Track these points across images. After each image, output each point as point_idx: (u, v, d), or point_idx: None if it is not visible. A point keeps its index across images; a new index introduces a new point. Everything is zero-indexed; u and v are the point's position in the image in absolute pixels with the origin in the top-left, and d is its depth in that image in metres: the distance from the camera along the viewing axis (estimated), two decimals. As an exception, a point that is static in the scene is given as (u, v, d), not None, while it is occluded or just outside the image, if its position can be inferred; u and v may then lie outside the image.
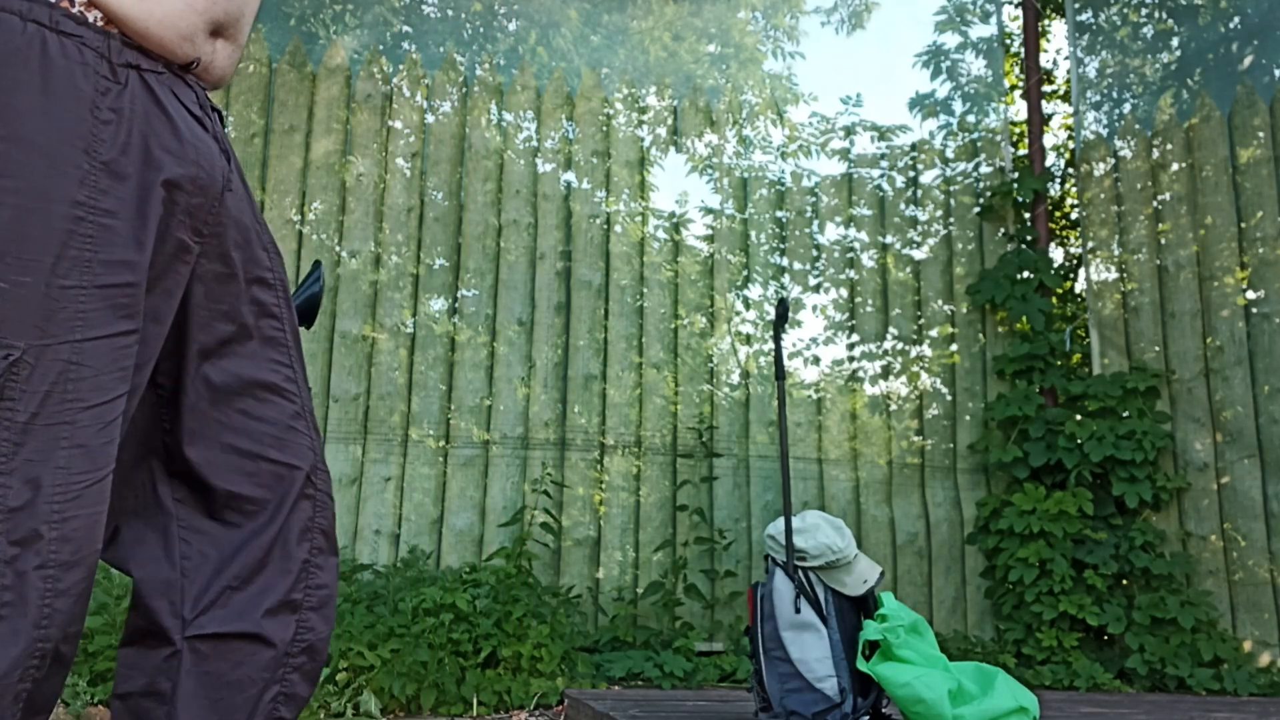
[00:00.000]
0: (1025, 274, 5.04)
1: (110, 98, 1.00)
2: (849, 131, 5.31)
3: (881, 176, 5.29)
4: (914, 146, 5.35)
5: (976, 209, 5.30)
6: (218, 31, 1.18)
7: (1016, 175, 5.23)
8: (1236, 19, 5.39)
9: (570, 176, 4.99)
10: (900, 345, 5.10)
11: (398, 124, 4.89)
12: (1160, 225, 5.18)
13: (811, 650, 2.45)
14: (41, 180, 0.93)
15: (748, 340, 5.01)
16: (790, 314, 4.71)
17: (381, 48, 5.01)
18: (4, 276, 0.90)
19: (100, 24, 1.02)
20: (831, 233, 5.18)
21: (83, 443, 0.94)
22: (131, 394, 1.01)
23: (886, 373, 5.08)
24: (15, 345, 0.89)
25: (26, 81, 0.94)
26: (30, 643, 0.90)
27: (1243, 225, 5.01)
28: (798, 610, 2.48)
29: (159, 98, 1.07)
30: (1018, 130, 5.84)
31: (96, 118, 0.98)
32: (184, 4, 1.10)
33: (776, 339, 2.90)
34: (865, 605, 2.54)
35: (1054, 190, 5.95)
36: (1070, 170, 5.90)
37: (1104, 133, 5.45)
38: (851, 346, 5.08)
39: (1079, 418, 4.80)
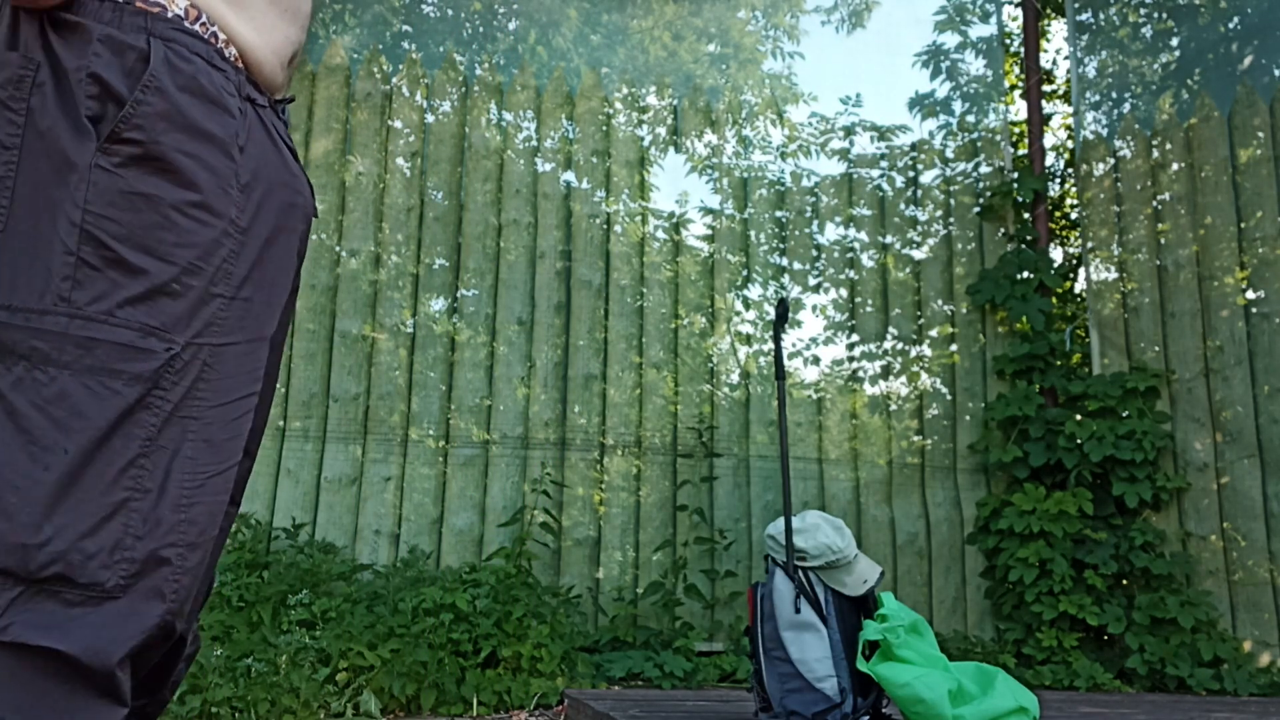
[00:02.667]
0: (1025, 274, 5.04)
1: (244, 130, 1.10)
2: (849, 131, 5.31)
3: (881, 176, 5.29)
4: (914, 146, 5.35)
5: (976, 209, 5.30)
6: (290, 60, 1.24)
7: (1016, 175, 5.23)
8: (1236, 19, 5.39)
9: (570, 176, 4.98)
10: (900, 345, 5.10)
11: (397, 123, 4.89)
12: (1160, 225, 5.17)
13: (811, 650, 2.45)
14: (211, 195, 1.03)
15: (748, 340, 5.01)
16: (790, 314, 4.71)
17: (381, 47, 5.00)
18: (178, 278, 0.99)
19: (234, 59, 1.11)
20: (831, 233, 5.18)
21: (208, 438, 1.02)
22: (260, 399, 1.14)
23: (886, 373, 5.08)
24: (176, 341, 0.99)
25: (199, 107, 1.03)
26: (159, 616, 0.96)
27: (1242, 225, 5.01)
28: (798, 610, 2.48)
29: (269, 129, 1.15)
30: (1018, 130, 5.84)
31: (239, 146, 1.08)
32: (283, 36, 1.18)
33: (776, 339, 2.90)
34: (865, 605, 2.53)
35: (1054, 190, 5.95)
36: (1070, 170, 5.90)
37: (1104, 133, 5.45)
38: (851, 346, 5.07)
39: (1079, 418, 4.80)
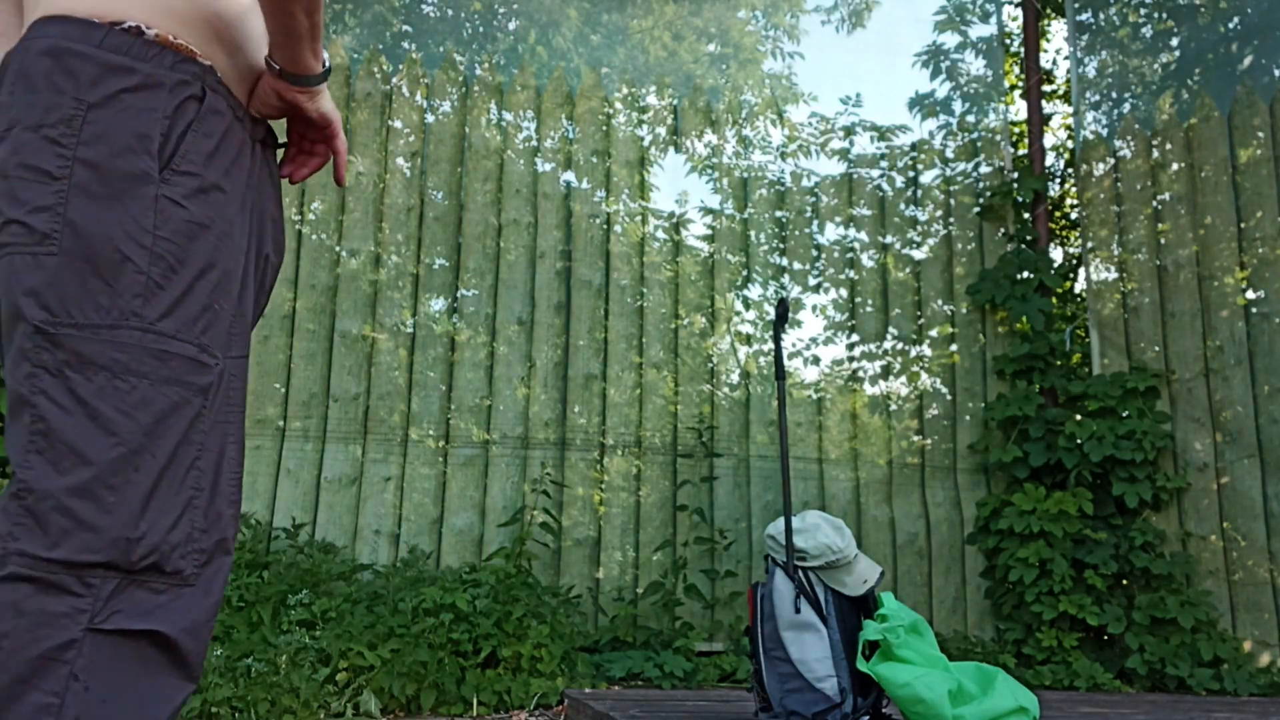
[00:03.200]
0: (1025, 274, 5.04)
1: (254, 169, 1.23)
2: (849, 131, 5.31)
3: (881, 176, 5.29)
4: (914, 146, 5.35)
5: (976, 209, 5.30)
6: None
7: (1016, 175, 5.23)
8: (1236, 19, 5.39)
9: (570, 176, 4.98)
10: (900, 345, 5.10)
11: (397, 123, 4.89)
12: (1160, 225, 5.17)
13: (811, 650, 2.45)
14: (233, 225, 1.15)
15: (748, 340, 5.01)
16: (790, 314, 4.70)
17: (381, 47, 5.00)
18: (217, 299, 1.11)
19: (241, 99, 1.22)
20: (831, 233, 5.18)
21: (237, 439, 1.16)
22: None
23: (886, 373, 5.08)
24: (217, 358, 1.11)
25: (233, 149, 1.16)
26: (219, 598, 1.09)
27: (1242, 225, 5.01)
28: (798, 610, 2.48)
29: (270, 169, 1.27)
30: (1017, 130, 5.84)
31: (251, 184, 1.21)
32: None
33: (776, 339, 2.90)
34: (865, 605, 2.53)
35: (1054, 190, 5.95)
36: (1070, 170, 5.90)
37: (1104, 133, 5.45)
38: (851, 346, 5.07)
39: (1079, 418, 4.80)
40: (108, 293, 1.04)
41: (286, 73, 1.20)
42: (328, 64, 1.24)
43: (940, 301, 5.18)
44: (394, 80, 4.92)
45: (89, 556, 0.97)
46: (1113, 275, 5.21)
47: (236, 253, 1.15)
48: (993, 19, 5.65)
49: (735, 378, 4.98)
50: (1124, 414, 4.81)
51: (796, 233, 5.14)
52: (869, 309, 5.11)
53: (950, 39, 5.62)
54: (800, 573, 2.50)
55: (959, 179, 5.33)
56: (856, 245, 5.18)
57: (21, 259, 1.04)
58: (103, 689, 0.94)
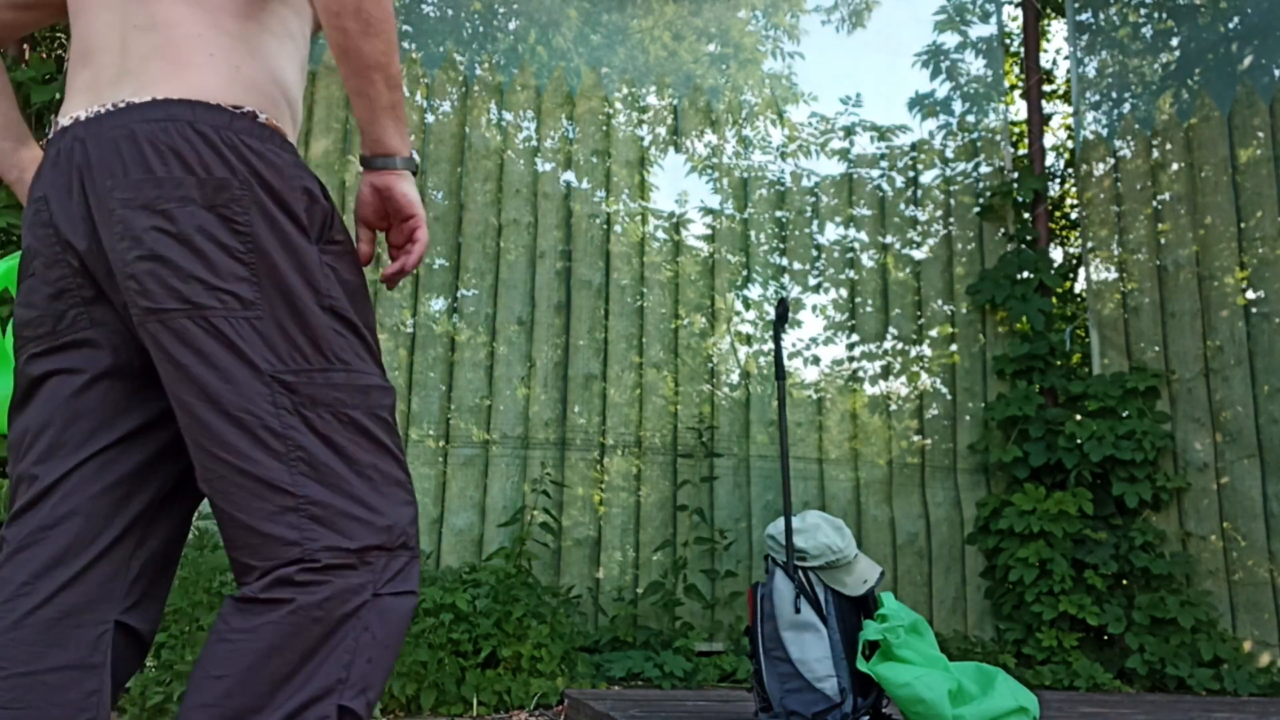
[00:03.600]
0: (1025, 274, 5.03)
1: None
2: (849, 131, 5.31)
3: (881, 176, 5.29)
4: (914, 146, 5.35)
5: (976, 209, 5.30)
6: None
7: (1016, 175, 5.23)
8: (1236, 19, 5.39)
9: (570, 176, 4.98)
10: (900, 345, 5.10)
11: (397, 124, 4.89)
12: (1160, 225, 5.17)
13: (811, 650, 2.45)
14: (364, 276, 1.45)
15: (748, 340, 5.01)
16: (790, 314, 4.70)
17: (381, 47, 5.00)
18: (374, 338, 1.36)
19: None
20: (831, 233, 5.18)
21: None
22: None
23: (886, 373, 5.08)
24: (389, 381, 1.37)
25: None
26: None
27: (1242, 225, 5.01)
28: (798, 610, 2.48)
29: None
30: (1017, 130, 5.84)
31: None
32: None
33: (776, 339, 2.90)
34: (865, 605, 2.53)
35: (1054, 190, 5.95)
36: (1070, 170, 5.90)
37: (1104, 133, 5.45)
38: (851, 346, 5.07)
39: (1079, 418, 4.80)
40: (312, 342, 1.27)
41: (376, 156, 1.33)
42: (416, 158, 1.38)
43: (940, 301, 5.18)
44: (394, 80, 4.92)
45: (371, 541, 1.26)
46: (1113, 275, 5.21)
47: (369, 310, 1.38)
48: (993, 19, 5.64)
49: (735, 378, 4.99)
50: (1124, 414, 4.81)
51: (796, 233, 5.14)
52: (869, 309, 5.11)
53: (950, 39, 5.62)
54: (800, 573, 2.50)
55: (959, 179, 5.33)
56: (856, 245, 5.18)
57: (235, 322, 1.23)
58: (379, 634, 1.26)
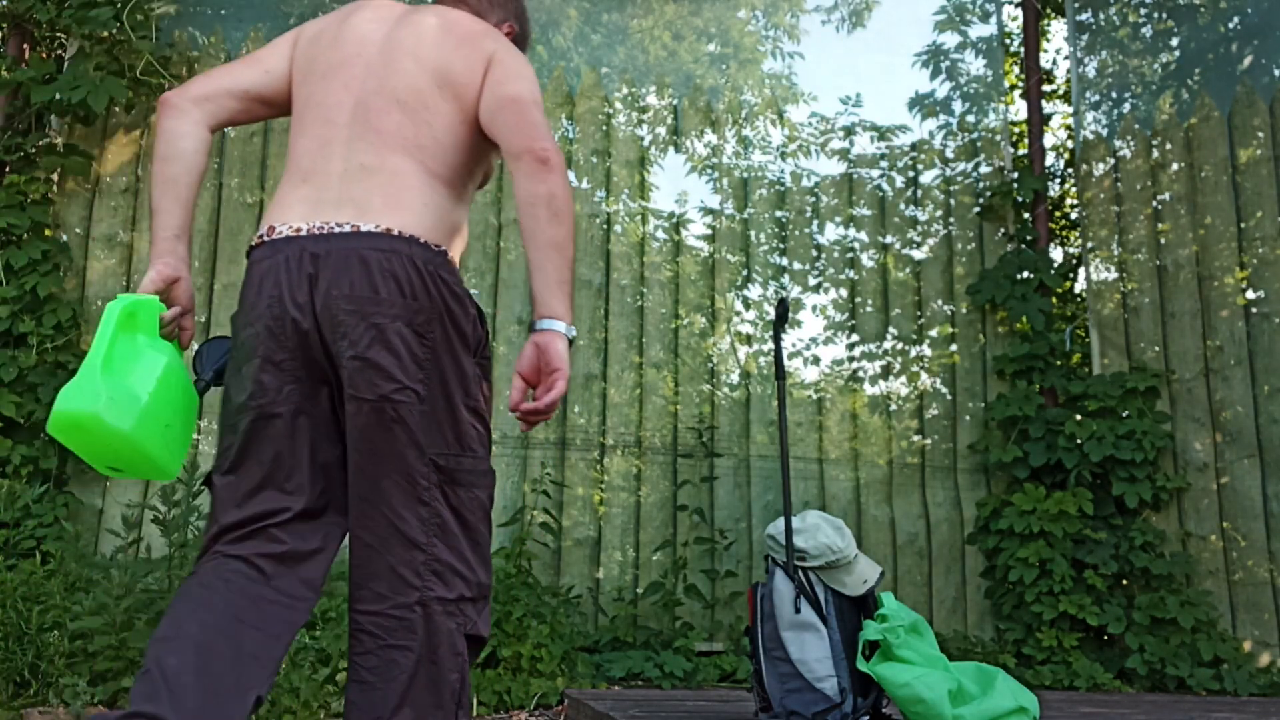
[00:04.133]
0: (1025, 274, 5.03)
1: None
2: (849, 131, 5.30)
3: (881, 176, 5.29)
4: (914, 146, 5.35)
5: (976, 209, 5.30)
6: None
7: (1016, 175, 5.23)
8: (1236, 19, 5.39)
9: (570, 176, 4.97)
10: (900, 345, 5.10)
11: (397, 123, 4.88)
12: (1160, 225, 5.17)
13: (811, 650, 2.45)
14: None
15: (748, 340, 5.00)
16: (790, 314, 4.70)
17: (381, 47, 5.00)
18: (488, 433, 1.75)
19: None
20: (831, 233, 5.18)
21: None
22: None
23: (886, 373, 5.08)
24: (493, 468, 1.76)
25: None
26: None
27: (1242, 225, 5.01)
28: (798, 610, 2.48)
29: None
30: (1017, 130, 5.84)
31: None
32: None
33: (776, 339, 2.90)
34: (865, 605, 2.53)
35: (1054, 190, 5.95)
36: (1070, 170, 5.90)
37: (1104, 133, 5.45)
38: (851, 346, 5.07)
39: (1079, 418, 4.80)
40: (455, 433, 1.64)
41: (544, 319, 1.64)
42: (572, 329, 1.68)
43: (940, 301, 5.18)
44: (394, 80, 4.92)
45: (466, 594, 1.64)
46: (1113, 275, 5.21)
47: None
48: (993, 19, 5.64)
49: (735, 378, 4.99)
50: (1124, 414, 4.81)
51: (796, 233, 5.14)
52: (869, 309, 5.11)
53: (950, 39, 5.62)
54: (800, 573, 2.50)
55: (959, 179, 5.33)
56: (856, 245, 5.18)
57: (412, 412, 1.60)
58: (467, 666, 1.65)
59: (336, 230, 1.62)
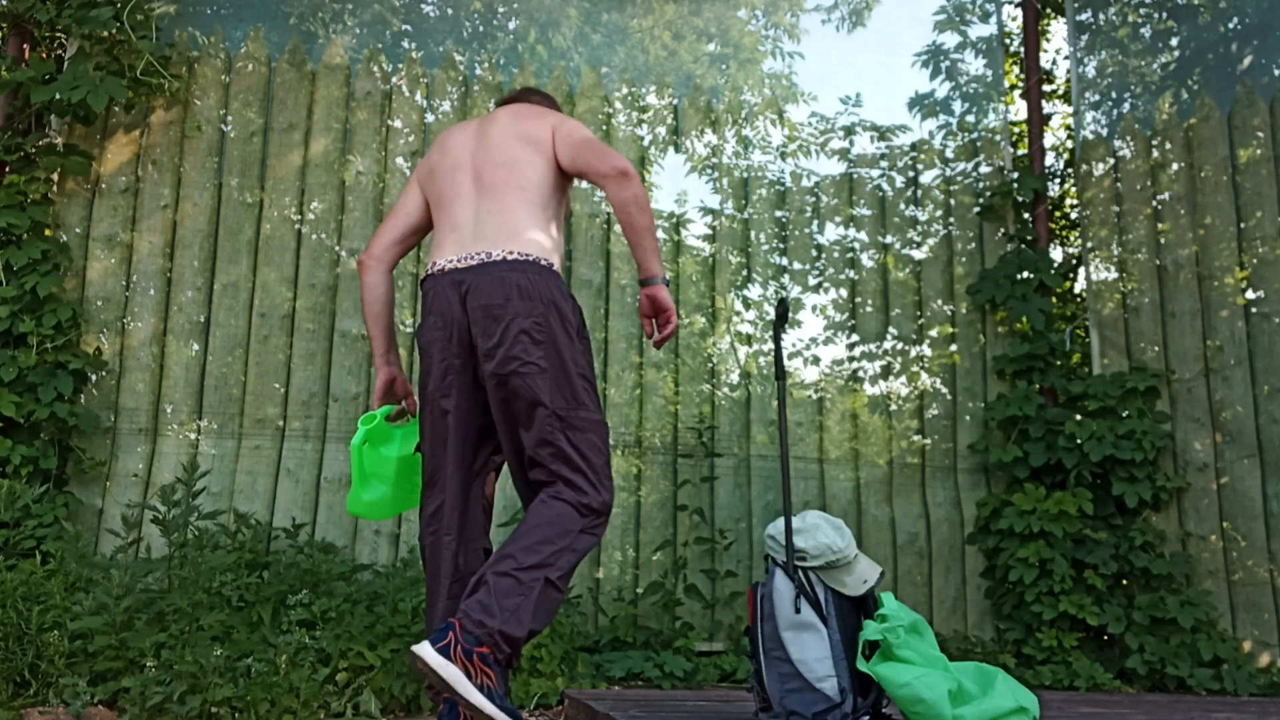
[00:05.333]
0: (1025, 274, 5.03)
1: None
2: (849, 131, 5.30)
3: (881, 176, 5.29)
4: (914, 146, 5.35)
5: (976, 209, 5.30)
6: None
7: (1016, 175, 5.23)
8: (1236, 19, 5.39)
9: (570, 176, 4.98)
10: (900, 345, 5.10)
11: (397, 123, 4.89)
12: (1160, 225, 5.17)
13: (811, 650, 2.45)
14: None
15: (748, 340, 5.00)
16: (790, 314, 4.70)
17: (381, 46, 5.00)
18: (595, 389, 2.45)
19: None
20: (831, 233, 5.18)
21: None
22: None
23: (886, 373, 5.08)
24: (602, 413, 2.49)
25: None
26: None
27: (1242, 225, 5.01)
28: (798, 610, 2.47)
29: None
30: (1017, 130, 5.83)
31: None
32: None
33: (776, 339, 2.90)
34: (865, 605, 2.53)
35: (1054, 190, 5.95)
36: (1070, 170, 5.90)
37: (1104, 133, 5.45)
38: (851, 346, 5.07)
39: (1079, 418, 4.80)
40: (571, 392, 2.37)
41: (647, 279, 2.44)
42: (666, 277, 2.48)
43: (940, 301, 5.18)
44: (394, 80, 4.92)
45: (585, 503, 2.34)
46: (1113, 275, 5.21)
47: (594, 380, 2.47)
48: (993, 19, 5.64)
49: (735, 378, 4.98)
50: (1124, 414, 4.81)
51: (797, 233, 5.14)
52: (869, 309, 5.11)
53: (950, 39, 5.62)
54: (800, 573, 2.50)
55: (959, 179, 5.33)
56: (856, 245, 5.18)
57: (537, 379, 2.34)
58: (578, 551, 2.32)
59: (475, 261, 2.41)
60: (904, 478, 4.95)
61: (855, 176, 5.26)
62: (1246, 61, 5.27)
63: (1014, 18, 6.27)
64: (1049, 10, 6.15)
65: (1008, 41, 6.07)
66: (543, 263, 2.41)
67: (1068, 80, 6.08)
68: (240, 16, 4.89)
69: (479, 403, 2.44)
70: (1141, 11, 5.70)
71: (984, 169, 5.35)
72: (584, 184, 4.97)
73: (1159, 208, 5.20)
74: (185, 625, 3.38)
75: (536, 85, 5.02)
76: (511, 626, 2.14)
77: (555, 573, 2.25)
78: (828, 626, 2.46)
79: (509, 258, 2.38)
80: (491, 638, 2.12)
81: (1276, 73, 5.14)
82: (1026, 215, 5.27)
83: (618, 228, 4.94)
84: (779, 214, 5.16)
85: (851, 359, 5.07)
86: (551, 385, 2.33)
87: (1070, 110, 5.73)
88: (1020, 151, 5.66)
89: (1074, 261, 5.87)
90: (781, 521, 2.56)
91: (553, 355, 2.34)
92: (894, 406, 5.05)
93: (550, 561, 2.24)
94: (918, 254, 5.23)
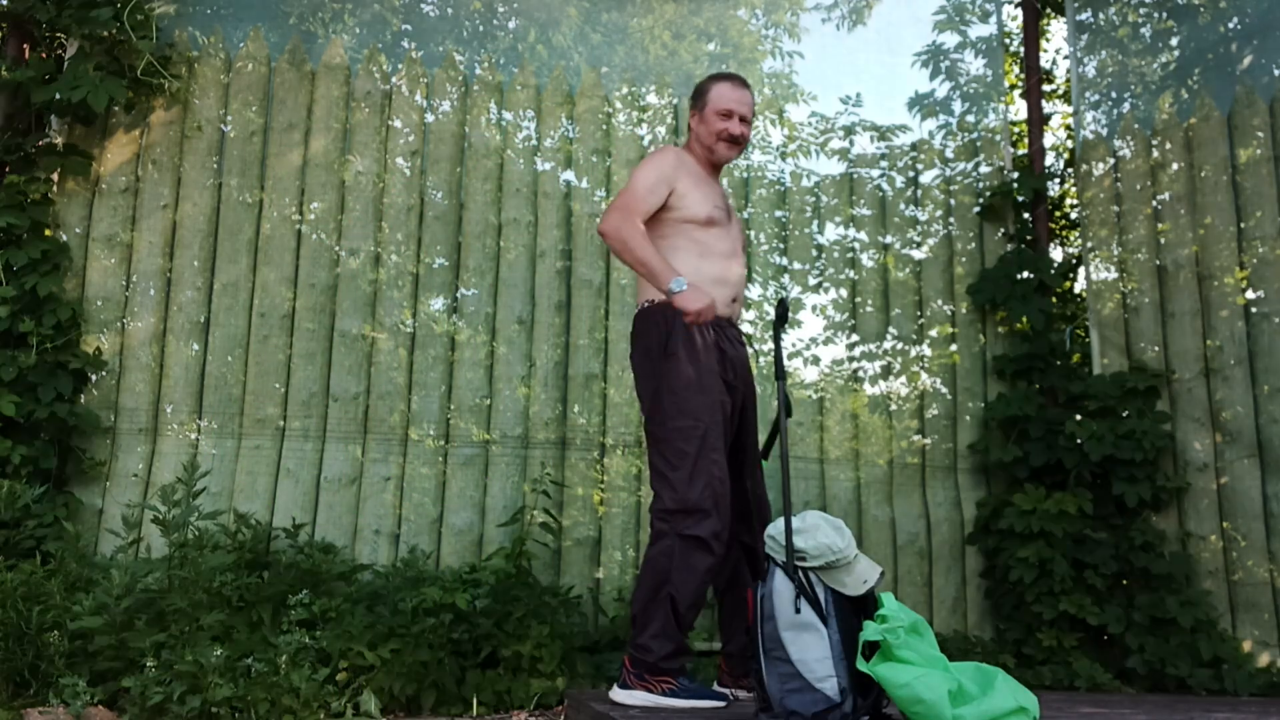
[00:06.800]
0: (1025, 274, 5.03)
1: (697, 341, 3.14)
2: (849, 131, 5.30)
3: (881, 176, 5.29)
4: (914, 146, 5.35)
5: (976, 209, 5.30)
6: (732, 301, 3.26)
7: (1016, 175, 5.23)
8: (1236, 19, 5.39)
9: (570, 175, 4.98)
10: (900, 345, 5.10)
11: (397, 122, 4.89)
12: (1160, 225, 5.17)
13: (811, 650, 2.45)
14: (692, 374, 3.09)
15: (748, 340, 5.00)
16: (790, 314, 4.70)
17: (380, 46, 5.00)
18: (690, 403, 3.03)
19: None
20: (831, 233, 5.18)
21: (720, 454, 3.06)
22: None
23: (887, 373, 5.08)
24: (703, 422, 3.00)
25: (675, 333, 3.08)
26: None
27: (1242, 225, 5.01)
28: (798, 610, 2.47)
29: (718, 342, 3.16)
30: (1017, 130, 5.83)
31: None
32: (720, 296, 3.17)
33: (776, 339, 2.90)
34: (865, 605, 2.53)
35: (1054, 190, 5.95)
36: (1070, 170, 5.90)
37: (1104, 132, 5.44)
38: (851, 346, 5.07)
39: (1079, 418, 4.80)
40: (655, 406, 3.03)
41: (663, 291, 2.97)
42: (677, 286, 2.95)
43: (940, 301, 5.18)
44: (394, 80, 4.92)
45: (671, 506, 2.95)
46: (1113, 275, 5.21)
47: (693, 386, 3.01)
48: (992, 19, 5.64)
49: (735, 377, 4.97)
50: (1124, 414, 4.81)
51: (797, 233, 5.14)
52: (869, 309, 5.11)
53: (950, 39, 5.62)
54: (800, 573, 2.50)
55: (959, 179, 5.33)
56: (856, 245, 5.18)
57: (642, 397, 3.10)
58: (679, 560, 2.92)
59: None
60: (904, 478, 4.95)
61: (855, 176, 5.26)
62: (1246, 61, 5.27)
63: (1014, 17, 6.27)
64: (1049, 10, 6.15)
65: (1008, 41, 6.07)
66: (643, 304, 3.12)
67: (1068, 80, 6.08)
68: (240, 16, 4.89)
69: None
70: (1141, 11, 5.70)
71: (984, 169, 5.35)
72: (583, 184, 4.98)
73: (1159, 208, 5.20)
74: (185, 625, 3.38)
75: (536, 85, 5.04)
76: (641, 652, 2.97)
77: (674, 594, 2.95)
78: (828, 627, 2.46)
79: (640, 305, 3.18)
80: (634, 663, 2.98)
81: (1276, 73, 5.14)
82: (1026, 215, 5.27)
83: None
84: (779, 214, 5.16)
85: (851, 359, 5.07)
86: (645, 402, 3.09)
87: (1070, 110, 5.73)
88: (1020, 151, 5.66)
89: (1074, 261, 5.86)
90: (781, 521, 2.56)
91: (646, 374, 3.07)
92: (894, 406, 5.05)
93: (652, 614, 2.95)
94: (918, 254, 5.23)
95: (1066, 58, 6.08)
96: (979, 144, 5.39)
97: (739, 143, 3.27)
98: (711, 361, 3.03)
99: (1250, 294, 4.94)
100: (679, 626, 2.92)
